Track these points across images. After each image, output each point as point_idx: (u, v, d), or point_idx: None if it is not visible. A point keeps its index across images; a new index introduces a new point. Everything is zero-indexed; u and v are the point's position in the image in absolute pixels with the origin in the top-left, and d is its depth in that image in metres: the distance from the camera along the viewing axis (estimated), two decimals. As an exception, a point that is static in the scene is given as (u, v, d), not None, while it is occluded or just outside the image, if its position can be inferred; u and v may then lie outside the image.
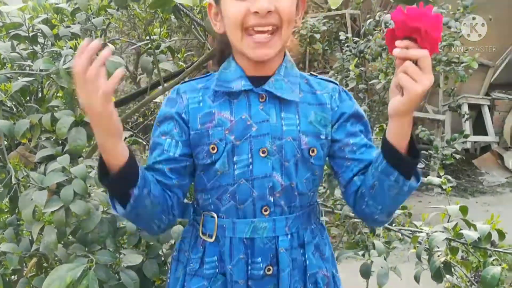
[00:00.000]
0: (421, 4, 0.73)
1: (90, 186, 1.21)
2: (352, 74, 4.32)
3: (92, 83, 0.73)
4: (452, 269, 1.42)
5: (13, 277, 1.41)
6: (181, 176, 0.95)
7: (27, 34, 1.41)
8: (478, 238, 1.35)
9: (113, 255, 1.18)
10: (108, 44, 1.61)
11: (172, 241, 1.36)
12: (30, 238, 1.29)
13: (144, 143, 2.53)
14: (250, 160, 0.91)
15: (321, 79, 1.01)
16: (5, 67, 1.34)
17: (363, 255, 1.56)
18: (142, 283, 1.23)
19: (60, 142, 1.32)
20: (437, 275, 1.40)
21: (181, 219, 1.19)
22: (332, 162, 1.00)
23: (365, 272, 1.47)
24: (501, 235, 1.36)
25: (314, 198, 1.02)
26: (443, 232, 1.43)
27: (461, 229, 1.42)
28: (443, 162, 4.18)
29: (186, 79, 1.03)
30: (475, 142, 6.21)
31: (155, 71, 1.55)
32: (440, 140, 5.09)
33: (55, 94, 1.46)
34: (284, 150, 0.92)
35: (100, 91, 0.73)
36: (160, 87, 1.58)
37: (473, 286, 1.58)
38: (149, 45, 1.49)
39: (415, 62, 0.75)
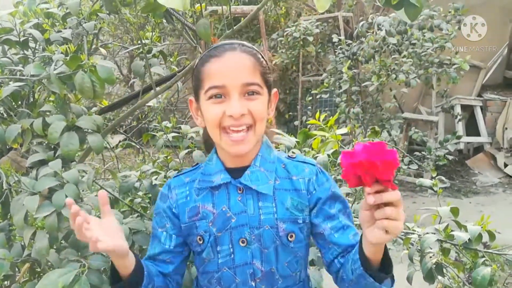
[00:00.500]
0: (381, 144, 0.75)
1: (82, 190, 1.21)
2: (345, 76, 4.34)
3: (85, 237, 0.85)
4: (444, 270, 1.43)
5: (5, 282, 1.40)
6: (178, 264, 1.08)
7: (18, 39, 1.41)
8: (469, 239, 1.36)
9: (106, 260, 1.18)
10: (100, 48, 1.61)
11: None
12: (22, 243, 1.28)
13: (138, 146, 2.52)
14: (231, 249, 1.01)
15: (299, 161, 1.07)
16: (-4, 72, 1.33)
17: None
18: (135, 287, 1.22)
19: (52, 146, 1.32)
20: (429, 276, 1.41)
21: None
22: (315, 241, 1.08)
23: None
24: (492, 236, 1.38)
25: (303, 275, 1.08)
26: (434, 233, 1.44)
27: (452, 230, 1.43)
28: (437, 163, 4.21)
29: (177, 172, 1.15)
30: (468, 143, 6.25)
31: (148, 74, 1.55)
32: (433, 141, 5.12)
33: (47, 99, 1.45)
34: (263, 238, 1.00)
35: (93, 242, 0.84)
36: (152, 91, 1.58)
37: (465, 286, 1.59)
38: (141, 49, 1.50)
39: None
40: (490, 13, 6.64)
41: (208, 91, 0.96)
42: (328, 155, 1.52)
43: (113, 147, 2.01)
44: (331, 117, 1.68)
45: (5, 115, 1.33)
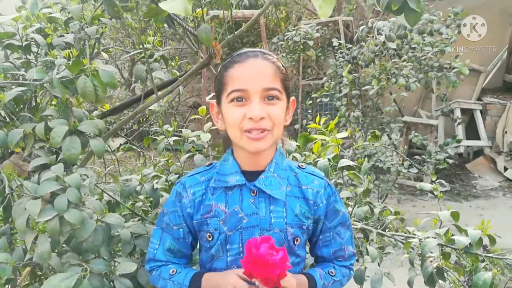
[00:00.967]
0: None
1: (84, 194, 1.21)
2: (345, 80, 4.35)
3: None
4: (445, 274, 1.43)
5: (6, 286, 1.40)
6: (189, 256, 1.17)
7: (20, 44, 1.42)
8: (470, 243, 1.36)
9: (108, 264, 1.18)
10: (102, 53, 1.62)
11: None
12: (24, 247, 1.28)
13: (139, 150, 2.53)
14: (241, 249, 1.05)
15: (308, 172, 1.15)
16: (-2, 76, 1.34)
17: (357, 260, 1.57)
18: (137, 291, 1.23)
19: (54, 151, 1.32)
20: (430, 281, 1.41)
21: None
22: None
23: (359, 278, 1.47)
24: (492, 240, 1.38)
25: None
26: (435, 238, 1.44)
27: (453, 235, 1.43)
28: (437, 166, 4.22)
29: (191, 172, 1.18)
30: (468, 146, 6.26)
31: (149, 78, 1.56)
32: (433, 145, 5.13)
33: (49, 103, 1.46)
34: None
35: None
36: (154, 95, 1.59)
37: (466, 290, 1.59)
38: (143, 54, 1.50)
39: None
40: (489, 16, 6.67)
41: (230, 94, 1.01)
42: (329, 159, 1.53)
43: (114, 150, 2.01)
44: (331, 120, 1.68)
45: (7, 119, 1.34)
